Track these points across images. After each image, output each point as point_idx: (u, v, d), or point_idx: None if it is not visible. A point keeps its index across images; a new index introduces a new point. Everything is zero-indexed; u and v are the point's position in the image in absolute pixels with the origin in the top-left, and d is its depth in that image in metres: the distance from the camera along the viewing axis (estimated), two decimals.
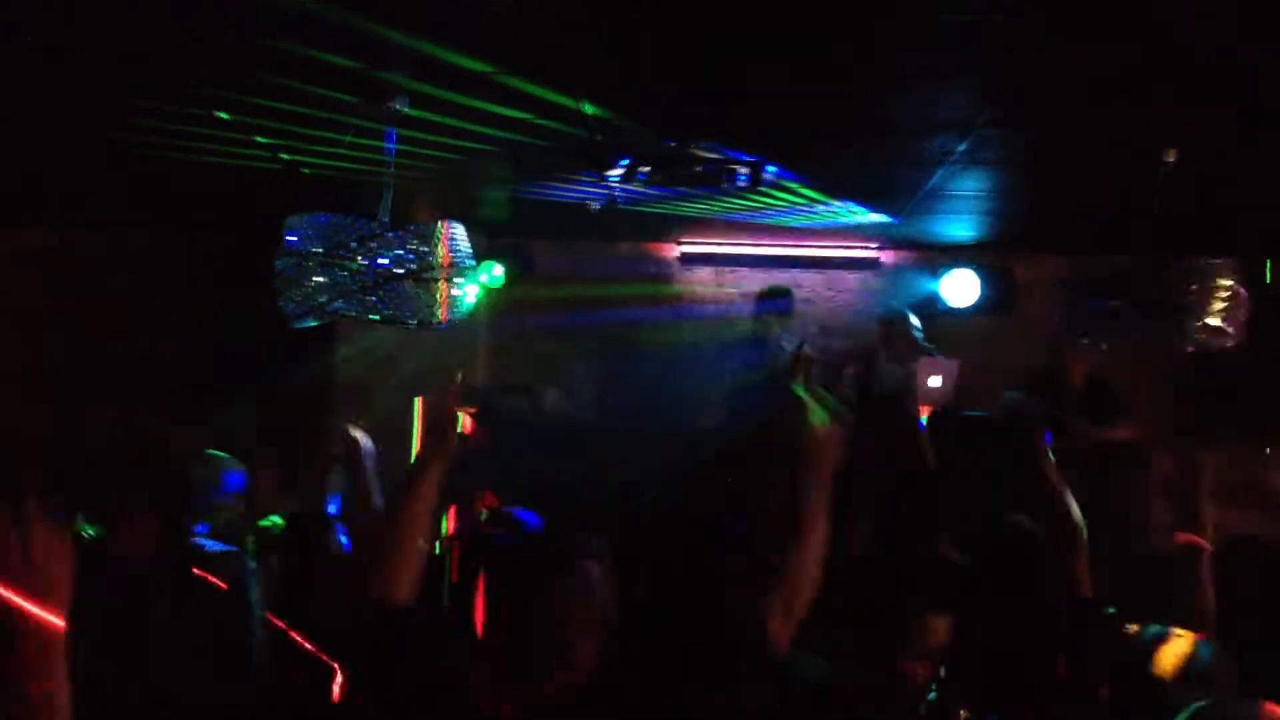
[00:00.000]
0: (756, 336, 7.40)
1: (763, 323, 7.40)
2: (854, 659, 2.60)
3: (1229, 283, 4.60)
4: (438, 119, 4.71)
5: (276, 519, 5.19)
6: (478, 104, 4.52)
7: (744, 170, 5.36)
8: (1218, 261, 4.66)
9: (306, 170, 5.81)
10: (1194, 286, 4.58)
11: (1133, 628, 2.81)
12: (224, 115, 4.86)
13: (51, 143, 5.63)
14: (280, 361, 7.14)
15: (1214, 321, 4.58)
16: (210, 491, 5.17)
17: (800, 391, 2.61)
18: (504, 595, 2.23)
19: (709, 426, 7.05)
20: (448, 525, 5.41)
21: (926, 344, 6.98)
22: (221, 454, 5.36)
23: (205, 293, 7.84)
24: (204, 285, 7.85)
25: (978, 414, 6.79)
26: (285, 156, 5.57)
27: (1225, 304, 4.59)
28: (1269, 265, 7.07)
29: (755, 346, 7.42)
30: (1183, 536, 3.32)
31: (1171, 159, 4.72)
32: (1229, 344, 4.69)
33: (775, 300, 7.42)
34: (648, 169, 5.32)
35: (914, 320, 7.24)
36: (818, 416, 2.55)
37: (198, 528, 4.84)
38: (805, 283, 8.13)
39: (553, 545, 2.36)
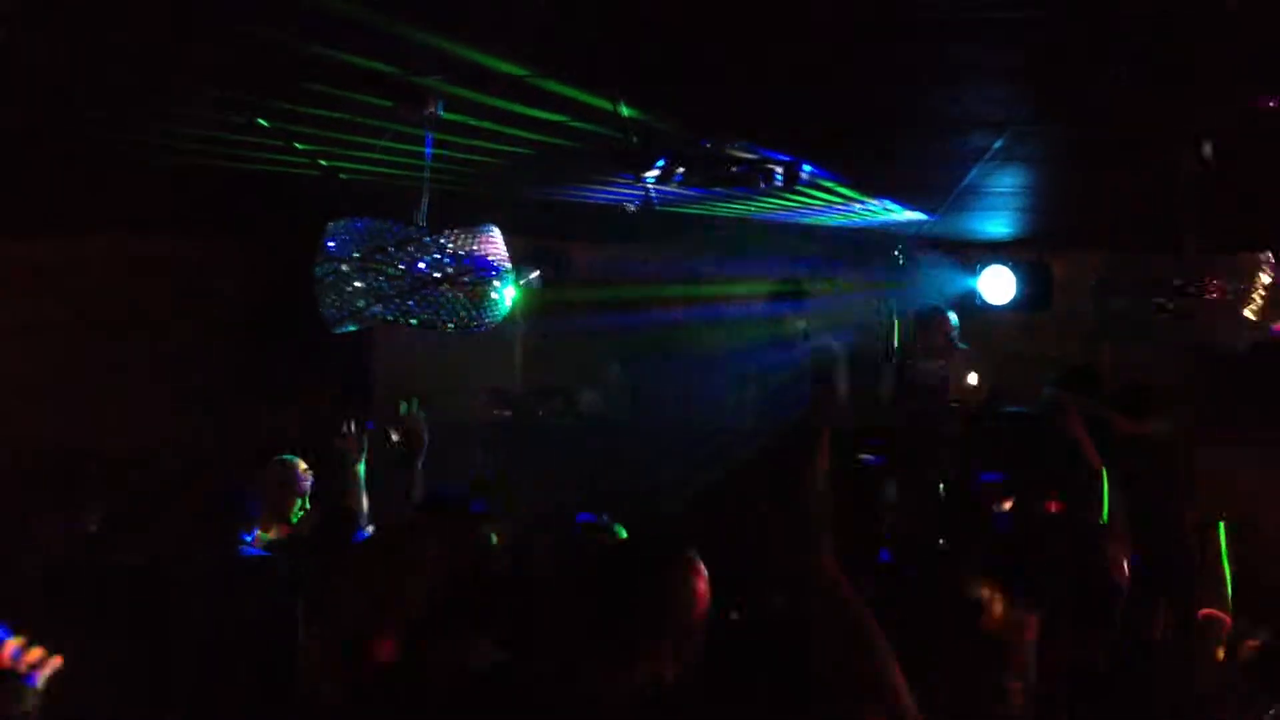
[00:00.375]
0: (778, 337, 7.44)
1: (781, 323, 7.43)
2: (958, 678, 2.55)
3: (1268, 279, 4.58)
4: (474, 123, 4.75)
5: None
6: (514, 107, 4.55)
7: (780, 170, 5.37)
8: (1255, 256, 4.63)
9: (344, 176, 5.86)
10: (1232, 282, 4.55)
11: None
12: (263, 122, 4.91)
13: (88, 149, 5.69)
14: (317, 367, 7.21)
15: (1251, 316, 4.56)
16: (289, 493, 5.29)
17: None
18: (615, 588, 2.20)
19: (741, 429, 7.07)
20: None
21: (962, 341, 6.99)
22: (293, 457, 5.47)
23: (243, 299, 7.93)
24: (241, 291, 7.94)
25: (1017, 410, 6.78)
26: (324, 163, 5.63)
27: (1264, 300, 4.56)
28: None
29: (779, 348, 7.45)
30: (1204, 611, 3.31)
31: (1209, 153, 4.70)
32: (1265, 338, 4.67)
33: (787, 297, 7.45)
34: (684, 170, 5.34)
35: (951, 317, 7.25)
36: None
37: (246, 535, 4.91)
38: (840, 280, 8.12)
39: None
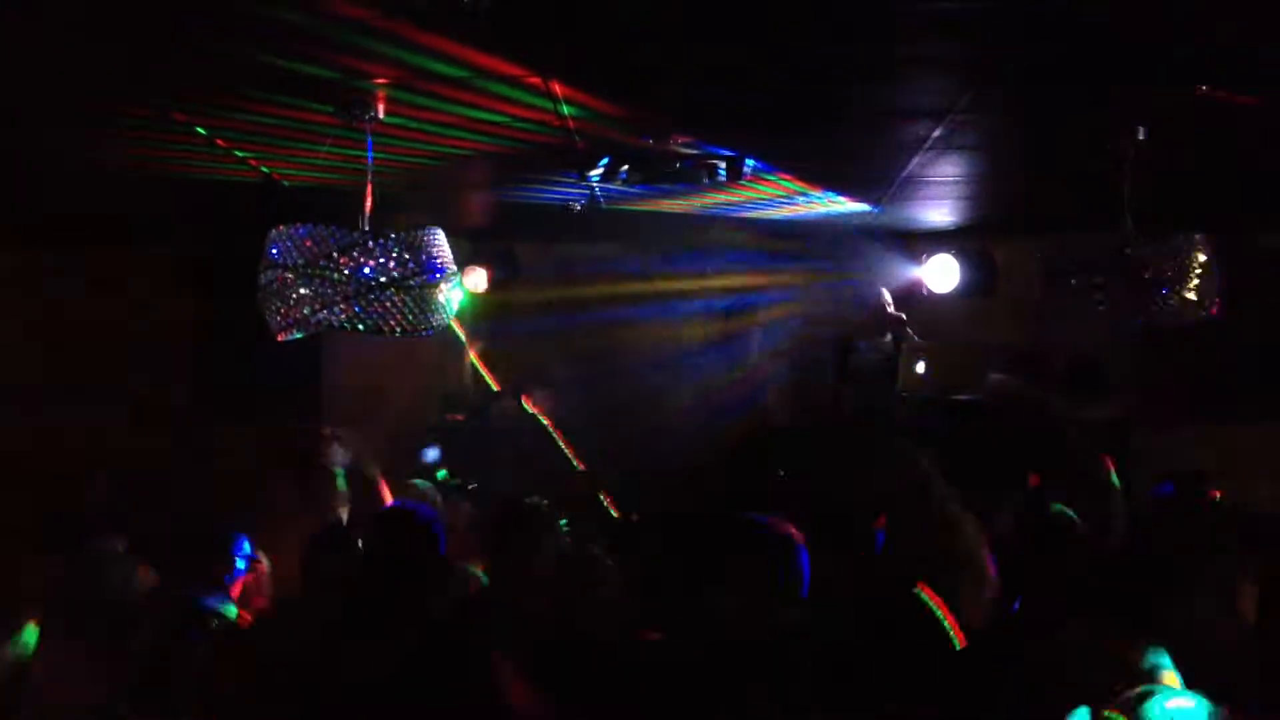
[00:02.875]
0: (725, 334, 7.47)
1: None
2: None
3: (1204, 257, 4.66)
4: (415, 125, 4.73)
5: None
6: (455, 109, 4.54)
7: (722, 165, 5.39)
8: (1192, 237, 4.71)
9: (287, 183, 5.83)
10: (1170, 262, 4.62)
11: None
12: (201, 130, 4.87)
13: (29, 162, 5.62)
14: (267, 376, 7.16)
15: (1190, 296, 4.64)
16: None
17: None
18: None
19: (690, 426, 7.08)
20: None
21: (901, 320, 7.01)
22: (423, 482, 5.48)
23: (190, 308, 7.86)
24: (189, 301, 7.87)
25: (966, 398, 6.85)
26: (265, 169, 5.59)
27: (1200, 279, 4.64)
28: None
29: (726, 346, 7.49)
30: None
31: (1142, 136, 4.77)
32: (1204, 317, 4.75)
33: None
34: (627, 167, 5.35)
35: (887, 296, 7.28)
36: None
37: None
38: (786, 274, 8.16)
39: None
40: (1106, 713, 2.62)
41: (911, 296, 7.75)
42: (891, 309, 7.15)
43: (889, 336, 7.03)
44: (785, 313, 8.10)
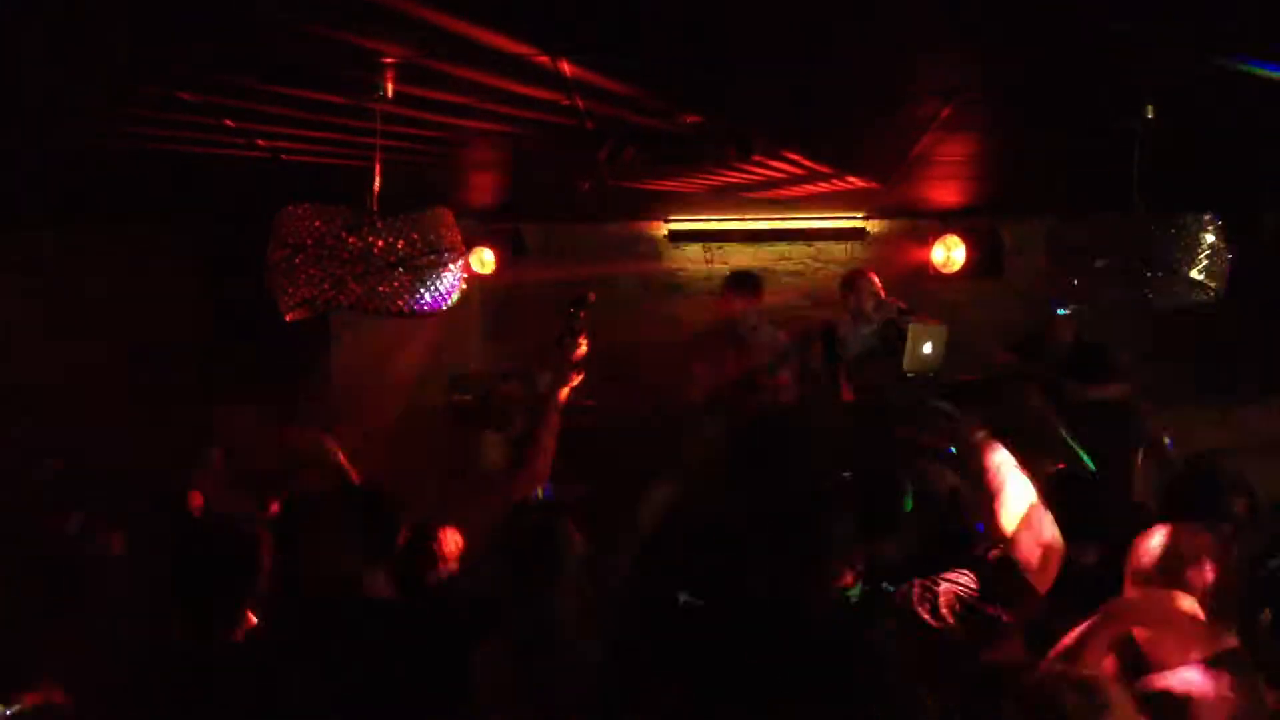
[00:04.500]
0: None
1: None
2: None
3: (1211, 238, 4.65)
4: (424, 104, 4.73)
5: None
6: (464, 89, 4.54)
7: (731, 143, 5.39)
8: (1200, 217, 4.70)
9: (296, 161, 5.82)
10: (1178, 243, 4.62)
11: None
12: (210, 109, 4.87)
13: (21, 139, 5.59)
14: (276, 355, 7.17)
15: (1198, 277, 4.63)
16: None
17: None
18: None
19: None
20: None
21: (890, 302, 6.97)
22: None
23: (196, 289, 7.86)
24: (196, 280, 7.86)
25: (971, 379, 6.84)
26: (274, 149, 5.59)
27: (1208, 260, 4.63)
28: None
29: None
30: None
31: (1151, 116, 4.76)
32: (1212, 299, 4.74)
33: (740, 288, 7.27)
34: (636, 146, 5.34)
35: (875, 280, 7.20)
36: None
37: None
38: (793, 255, 8.16)
39: None
40: None
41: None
42: (883, 294, 7.07)
43: (874, 325, 6.96)
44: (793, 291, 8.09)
